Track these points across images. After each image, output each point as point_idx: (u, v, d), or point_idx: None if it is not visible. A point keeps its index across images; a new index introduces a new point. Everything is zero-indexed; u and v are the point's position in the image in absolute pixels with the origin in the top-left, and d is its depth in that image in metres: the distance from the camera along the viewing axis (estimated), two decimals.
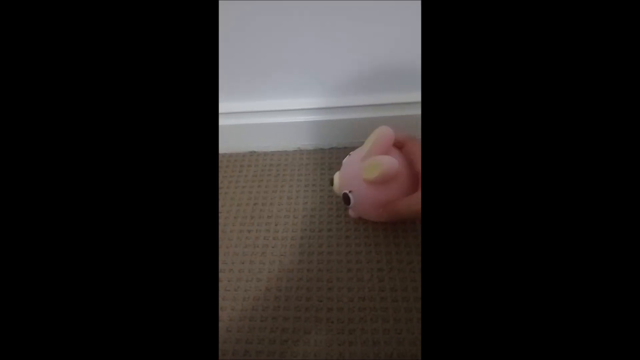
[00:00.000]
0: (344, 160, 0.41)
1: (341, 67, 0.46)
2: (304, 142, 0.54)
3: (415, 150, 0.36)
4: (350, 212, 0.43)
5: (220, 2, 0.39)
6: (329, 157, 0.52)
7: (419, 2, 0.37)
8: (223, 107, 0.50)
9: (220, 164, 0.53)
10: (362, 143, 0.54)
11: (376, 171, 0.34)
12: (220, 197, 0.48)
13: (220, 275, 0.39)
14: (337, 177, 0.41)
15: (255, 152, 0.55)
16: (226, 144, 0.54)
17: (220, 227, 0.44)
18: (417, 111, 0.49)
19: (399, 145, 0.38)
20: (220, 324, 0.35)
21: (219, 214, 0.46)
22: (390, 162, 0.34)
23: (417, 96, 0.48)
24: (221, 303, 0.37)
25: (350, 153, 0.41)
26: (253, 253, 0.41)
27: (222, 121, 0.52)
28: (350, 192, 0.38)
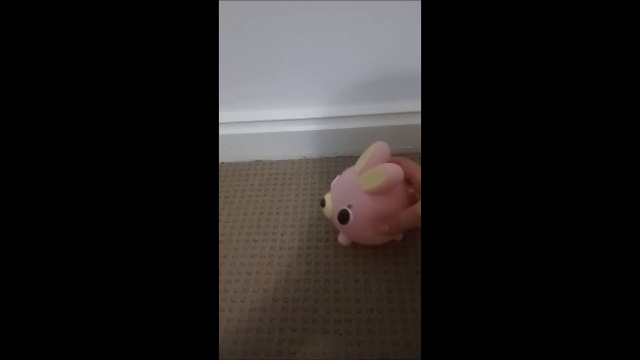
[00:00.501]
0: (333, 182, 0.39)
1: (347, 76, 0.46)
2: (310, 151, 0.54)
3: (410, 167, 0.35)
4: (341, 239, 0.40)
5: (223, 10, 0.39)
6: (335, 166, 0.52)
7: None
8: (228, 116, 0.51)
9: (226, 173, 0.53)
10: None
11: (380, 179, 0.33)
12: (226, 206, 0.48)
13: (227, 286, 0.39)
14: (329, 197, 0.38)
15: (260, 161, 0.55)
16: (232, 153, 0.54)
17: (226, 237, 0.44)
18: None
19: None
20: (227, 336, 0.35)
21: (225, 224, 0.45)
22: (395, 168, 0.33)
23: None
24: (228, 314, 0.36)
25: (339, 174, 0.39)
26: (259, 263, 0.41)
27: (228, 130, 0.52)
28: (349, 206, 0.35)
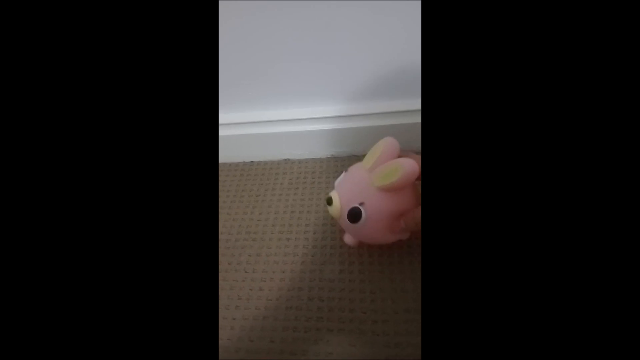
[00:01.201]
0: (338, 180, 0.37)
1: (373, 73, 0.46)
2: (338, 149, 0.54)
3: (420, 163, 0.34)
4: (347, 239, 0.38)
5: (239, 11, 0.39)
6: None
7: None
8: (256, 115, 0.51)
9: (255, 172, 0.53)
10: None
11: (397, 174, 0.31)
12: (257, 204, 0.48)
13: (262, 284, 0.39)
14: (335, 195, 0.35)
15: (289, 159, 0.55)
16: (260, 152, 0.54)
17: (259, 235, 0.44)
18: None
19: None
20: (264, 334, 0.35)
21: (258, 222, 0.46)
22: (411, 163, 0.31)
23: None
24: (264, 312, 0.37)
25: (345, 171, 0.37)
26: (293, 262, 0.41)
27: (255, 129, 0.52)
28: (361, 204, 0.33)
